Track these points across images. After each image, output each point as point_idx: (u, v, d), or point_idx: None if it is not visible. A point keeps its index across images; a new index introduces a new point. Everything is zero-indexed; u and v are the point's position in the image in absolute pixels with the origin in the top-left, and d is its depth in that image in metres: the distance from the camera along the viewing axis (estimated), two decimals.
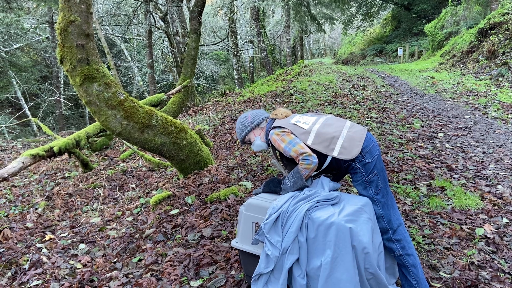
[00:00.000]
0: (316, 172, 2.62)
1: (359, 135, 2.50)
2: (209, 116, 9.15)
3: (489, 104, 9.15)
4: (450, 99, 10.15)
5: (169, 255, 3.35)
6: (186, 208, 4.18)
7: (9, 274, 3.53)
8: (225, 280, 2.85)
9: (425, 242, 3.25)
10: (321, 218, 2.23)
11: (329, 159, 2.48)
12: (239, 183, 4.51)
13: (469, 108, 8.95)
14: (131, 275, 3.19)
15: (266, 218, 2.34)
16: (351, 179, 4.42)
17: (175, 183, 4.99)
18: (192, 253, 3.28)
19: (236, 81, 20.85)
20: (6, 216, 5.09)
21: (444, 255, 3.05)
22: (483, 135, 6.64)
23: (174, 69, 17.14)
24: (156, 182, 5.44)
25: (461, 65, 15.01)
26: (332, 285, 2.17)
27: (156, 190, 5.05)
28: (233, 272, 2.93)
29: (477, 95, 10.19)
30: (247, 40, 28.13)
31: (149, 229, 3.96)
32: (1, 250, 3.94)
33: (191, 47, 9.40)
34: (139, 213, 4.51)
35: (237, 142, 6.53)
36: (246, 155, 5.71)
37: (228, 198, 4.13)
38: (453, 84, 12.05)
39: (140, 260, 3.44)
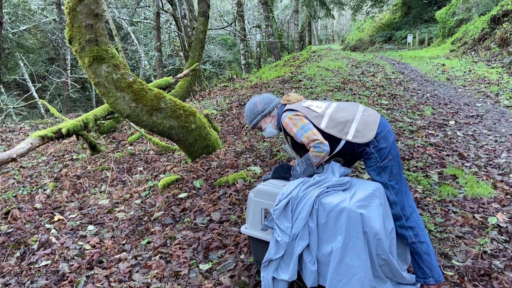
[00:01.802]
0: (328, 157, 2.57)
1: (373, 118, 2.45)
2: (217, 101, 9.09)
3: (501, 92, 9.00)
4: (461, 86, 10.00)
5: (177, 238, 3.34)
6: (195, 192, 4.17)
7: (18, 254, 3.54)
8: (234, 264, 2.83)
9: (437, 230, 3.21)
10: (332, 204, 2.19)
11: (342, 143, 2.43)
12: (248, 168, 4.47)
13: (481, 96, 8.81)
14: (140, 257, 3.19)
15: (275, 204, 2.31)
16: (363, 165, 4.38)
17: (183, 167, 4.97)
18: (201, 237, 3.27)
19: (243, 66, 20.66)
20: (15, 196, 5.11)
21: (456, 244, 3.02)
22: (495, 124, 6.55)
23: (181, 53, 17.01)
24: (164, 165, 5.42)
25: (473, 53, 14.77)
26: (343, 271, 2.15)
27: (164, 174, 5.03)
28: (242, 257, 2.92)
29: (489, 83, 10.03)
30: (255, 25, 27.83)
31: (158, 212, 3.95)
32: (10, 230, 3.96)
33: (199, 30, 9.30)
34: (147, 196, 4.50)
35: (245, 127, 6.49)
36: (254, 140, 5.67)
37: (237, 183, 4.10)
38: (465, 72, 11.86)
39: (148, 242, 3.44)
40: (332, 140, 2.44)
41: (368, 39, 31.28)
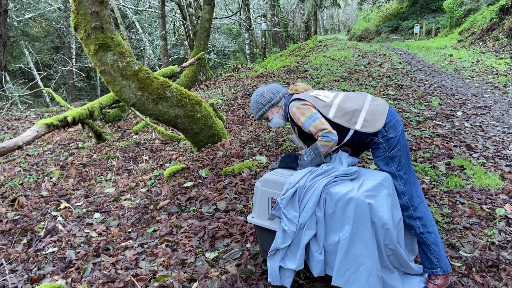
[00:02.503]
0: (336, 147, 2.54)
1: (382, 108, 2.42)
2: (222, 91, 9.05)
3: (510, 83, 8.90)
4: (469, 77, 9.90)
5: (183, 227, 3.35)
6: (200, 181, 4.16)
7: (25, 241, 3.57)
8: (240, 253, 2.83)
9: (444, 221, 3.19)
10: (339, 194, 2.17)
11: (350, 133, 2.40)
12: (253, 158, 4.46)
13: (489, 87, 8.72)
14: (146, 245, 3.20)
15: (282, 193, 2.29)
16: (370, 155, 4.35)
17: (189, 156, 4.96)
18: (207, 226, 3.27)
19: (247, 56, 20.53)
20: (21, 184, 5.13)
21: (463, 235, 3.00)
22: (503, 115, 6.48)
23: (185, 42, 16.92)
24: (169, 154, 5.42)
25: (481, 43, 14.60)
26: (350, 260, 2.14)
27: (170, 163, 5.03)
28: (248, 246, 2.92)
29: (497, 73, 9.91)
30: (260, 14, 27.63)
31: (163, 200, 3.95)
32: (17, 217, 3.98)
33: (205, 19, 9.23)
34: (153, 184, 4.50)
35: (250, 117, 6.46)
36: (260, 130, 5.65)
37: (243, 172, 4.09)
38: (472, 62, 11.74)
39: (155, 230, 3.44)
40: (341, 130, 2.41)
41: (374, 29, 31.01)
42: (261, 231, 2.50)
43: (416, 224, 2.38)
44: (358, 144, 2.51)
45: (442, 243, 2.41)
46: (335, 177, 2.30)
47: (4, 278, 2.94)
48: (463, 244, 2.88)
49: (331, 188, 2.23)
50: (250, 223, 3.14)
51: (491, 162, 4.40)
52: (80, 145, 6.86)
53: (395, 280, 2.27)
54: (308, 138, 2.63)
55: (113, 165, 5.44)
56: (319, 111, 2.42)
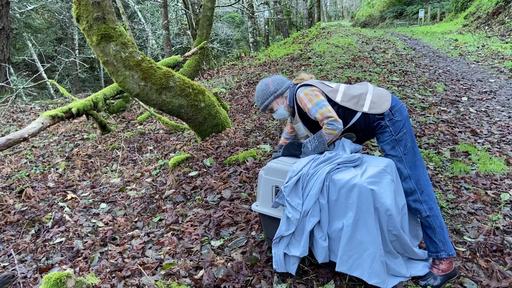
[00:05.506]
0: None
1: (385, 92, 2.51)
2: (225, 80, 9.03)
3: None
4: (474, 62, 9.80)
5: (189, 216, 3.38)
6: (205, 170, 4.18)
7: (33, 231, 3.62)
8: (246, 241, 2.86)
9: (448, 206, 3.19)
10: (343, 180, 2.18)
11: (357, 116, 2.42)
12: (258, 146, 4.47)
13: (494, 71, 8.62)
14: (152, 234, 3.24)
15: (286, 181, 2.30)
16: (374, 142, 4.34)
17: (193, 146, 4.98)
18: (212, 214, 3.29)
19: (251, 44, 20.39)
20: (28, 175, 5.19)
21: (468, 220, 3.00)
22: (508, 99, 6.42)
23: (188, 31, 16.84)
24: (173, 144, 5.44)
25: (486, 27, 14.41)
26: (354, 246, 2.15)
27: (174, 153, 5.06)
28: (253, 233, 2.94)
29: (502, 58, 9.79)
30: (263, 2, 27.35)
31: (169, 190, 3.98)
32: (24, 208, 4.03)
33: (207, 8, 9.17)
34: (158, 174, 4.53)
35: (254, 106, 6.45)
36: (264, 119, 5.64)
37: (247, 161, 4.10)
38: (478, 47, 11.60)
39: (160, 220, 3.48)
40: (347, 116, 2.43)
41: (378, 15, 30.64)
42: (266, 219, 2.52)
43: (423, 208, 2.38)
44: (364, 130, 2.52)
45: (446, 228, 2.42)
46: (338, 164, 2.31)
47: (13, 268, 2.99)
48: (467, 230, 2.89)
49: (334, 175, 2.23)
50: (255, 212, 3.16)
51: (496, 147, 4.38)
52: (85, 136, 6.90)
53: (399, 265, 2.29)
54: (314, 128, 2.63)
55: (118, 155, 5.47)
56: (326, 96, 2.44)
